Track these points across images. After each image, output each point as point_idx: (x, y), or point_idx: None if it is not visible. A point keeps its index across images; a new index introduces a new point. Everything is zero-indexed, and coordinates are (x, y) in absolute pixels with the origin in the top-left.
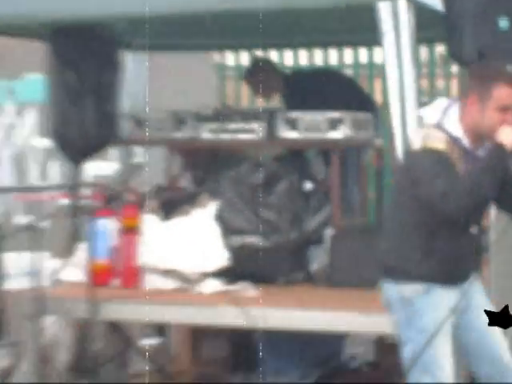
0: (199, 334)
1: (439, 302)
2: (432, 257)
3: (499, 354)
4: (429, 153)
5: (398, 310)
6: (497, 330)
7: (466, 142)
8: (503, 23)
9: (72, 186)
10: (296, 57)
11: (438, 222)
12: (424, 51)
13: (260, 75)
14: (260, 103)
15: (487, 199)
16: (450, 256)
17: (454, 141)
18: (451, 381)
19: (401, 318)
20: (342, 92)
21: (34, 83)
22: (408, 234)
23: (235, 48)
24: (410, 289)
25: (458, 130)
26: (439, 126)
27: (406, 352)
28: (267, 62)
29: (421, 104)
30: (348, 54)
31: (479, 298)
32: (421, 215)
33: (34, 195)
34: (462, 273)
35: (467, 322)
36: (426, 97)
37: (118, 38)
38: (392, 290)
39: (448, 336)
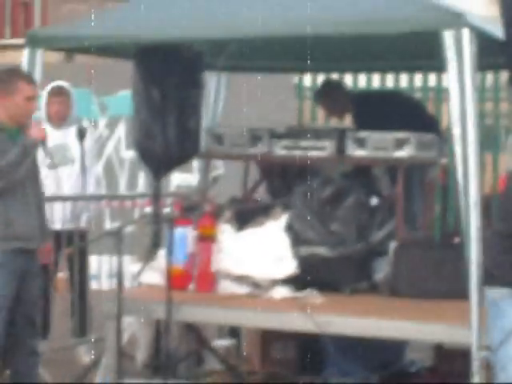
0: (269, 337)
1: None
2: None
3: None
4: None
5: (490, 312)
6: None
7: None
8: None
9: (154, 196)
10: (369, 80)
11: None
12: (490, 77)
13: (331, 96)
14: (334, 123)
15: None
16: None
17: None
18: None
19: (489, 319)
20: (408, 114)
21: (126, 99)
22: (501, 243)
23: (313, 70)
24: (499, 293)
25: None
26: None
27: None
28: (337, 84)
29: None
30: (418, 79)
31: None
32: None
33: (121, 203)
34: None
35: None
36: (490, 119)
37: (201, 59)
38: (488, 295)
39: None
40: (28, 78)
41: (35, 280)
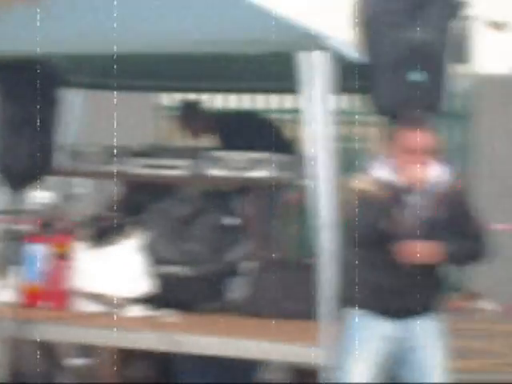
0: (124, 356)
1: (366, 328)
2: (366, 287)
3: None
4: (356, 193)
5: (342, 332)
6: (441, 377)
7: (399, 182)
8: (414, 76)
9: (7, 212)
10: (226, 100)
11: (361, 254)
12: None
13: (188, 117)
14: (192, 142)
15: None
16: (382, 288)
17: (384, 183)
18: None
19: (340, 339)
20: (264, 134)
21: None
22: (348, 265)
23: (171, 90)
24: (349, 314)
25: (387, 174)
26: (369, 172)
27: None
28: (194, 105)
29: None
30: (274, 100)
31: (430, 339)
32: (353, 248)
33: None
34: (400, 307)
35: (411, 359)
36: (343, 142)
37: (57, 75)
38: (343, 315)
39: (370, 363)
40: None
41: None
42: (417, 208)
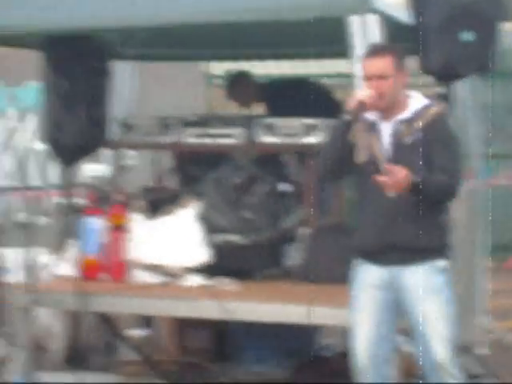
0: (184, 325)
1: (362, 276)
2: (359, 233)
3: (430, 345)
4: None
5: None
6: (436, 324)
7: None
8: (465, 36)
9: (65, 186)
10: (279, 67)
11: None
12: None
13: (237, 87)
14: (244, 111)
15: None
16: (369, 232)
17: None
18: (362, 348)
19: None
20: (316, 100)
21: (35, 90)
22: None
23: (221, 58)
24: (355, 265)
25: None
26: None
27: None
28: (244, 74)
29: None
30: (328, 65)
31: (427, 288)
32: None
33: (32, 194)
34: (390, 253)
35: (410, 310)
36: None
37: (108, 48)
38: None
39: (369, 312)
40: None
41: None
42: (390, 136)
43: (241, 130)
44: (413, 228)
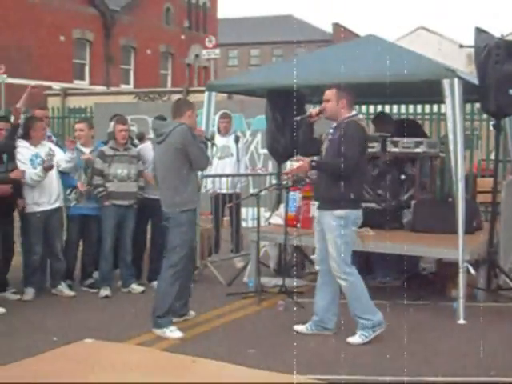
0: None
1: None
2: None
3: (329, 259)
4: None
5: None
6: (330, 249)
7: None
8: (511, 91)
9: (278, 174)
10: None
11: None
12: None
13: (379, 121)
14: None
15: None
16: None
17: None
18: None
19: None
20: (416, 128)
21: (262, 120)
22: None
23: (375, 103)
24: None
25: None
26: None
27: None
28: (383, 114)
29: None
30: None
31: (327, 224)
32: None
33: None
34: (316, 199)
35: (323, 235)
36: (467, 130)
37: (303, 97)
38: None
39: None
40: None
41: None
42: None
43: (378, 144)
44: (324, 189)
